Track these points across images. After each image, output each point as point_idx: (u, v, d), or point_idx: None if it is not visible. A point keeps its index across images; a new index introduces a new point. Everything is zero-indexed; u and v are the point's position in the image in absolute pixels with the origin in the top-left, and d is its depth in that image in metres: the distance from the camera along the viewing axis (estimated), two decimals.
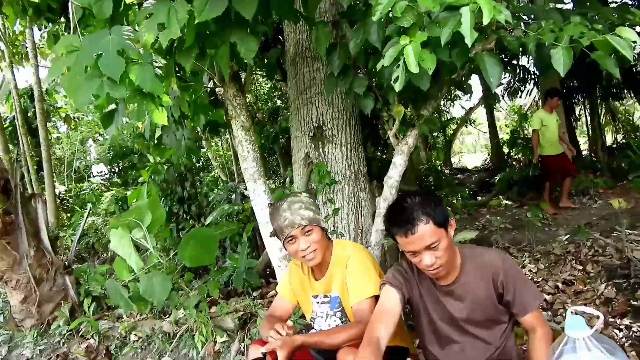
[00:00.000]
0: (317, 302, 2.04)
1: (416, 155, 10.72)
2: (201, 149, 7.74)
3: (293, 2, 2.38)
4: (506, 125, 15.50)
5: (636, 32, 1.79)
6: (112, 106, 2.30)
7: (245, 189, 3.05)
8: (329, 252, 1.97)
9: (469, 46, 1.70)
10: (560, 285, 3.33)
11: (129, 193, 5.67)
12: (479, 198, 7.96)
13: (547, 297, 3.16)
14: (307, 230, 1.85)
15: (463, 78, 2.60)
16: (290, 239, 1.86)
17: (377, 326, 1.61)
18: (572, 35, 1.85)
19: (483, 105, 12.37)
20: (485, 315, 1.68)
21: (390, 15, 1.87)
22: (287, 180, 5.59)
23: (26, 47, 9.22)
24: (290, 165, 5.24)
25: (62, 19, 3.57)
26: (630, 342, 2.45)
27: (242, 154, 2.83)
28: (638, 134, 8.89)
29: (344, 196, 3.37)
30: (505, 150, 11.77)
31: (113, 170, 13.18)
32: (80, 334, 3.72)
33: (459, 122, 14.70)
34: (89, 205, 6.10)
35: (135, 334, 3.55)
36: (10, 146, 11.39)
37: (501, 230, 4.80)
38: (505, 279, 1.61)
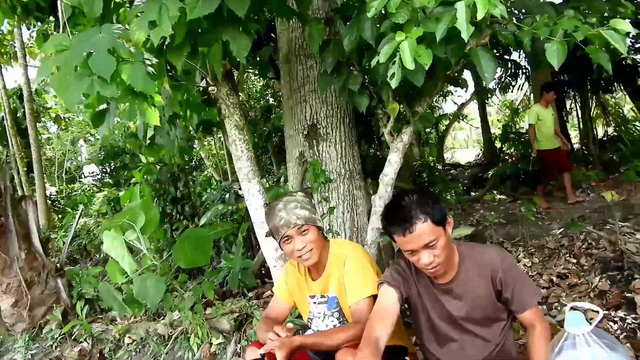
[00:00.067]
0: (314, 303, 2.03)
1: (409, 152, 10.72)
2: (193, 148, 7.69)
3: None
4: (498, 120, 15.59)
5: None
6: (103, 106, 2.26)
7: (239, 188, 3.02)
8: (326, 252, 1.95)
9: (465, 41, 1.69)
10: (554, 278, 3.36)
11: (121, 194, 5.62)
12: (473, 193, 7.99)
13: (542, 291, 3.18)
14: (303, 230, 1.83)
15: (456, 74, 2.60)
16: (286, 239, 1.84)
17: (375, 326, 1.59)
18: (566, 29, 1.85)
19: (475, 101, 12.44)
20: (484, 313, 1.67)
21: (383, 12, 1.86)
22: (282, 179, 5.56)
23: (15, 47, 9.09)
24: (283, 163, 5.22)
25: (52, 18, 3.52)
26: (625, 334, 2.47)
27: (236, 154, 2.80)
28: (629, 126, 8.95)
29: (339, 194, 3.35)
30: (498, 145, 11.84)
31: (105, 170, 13.08)
32: (73, 338, 3.69)
33: (451, 117, 14.75)
34: (81, 207, 6.05)
35: (130, 337, 3.52)
36: (0, 147, 11.27)
37: (495, 225, 4.82)
38: (504, 277, 1.61)
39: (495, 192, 7.45)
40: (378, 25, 2.05)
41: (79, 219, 5.35)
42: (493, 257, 1.64)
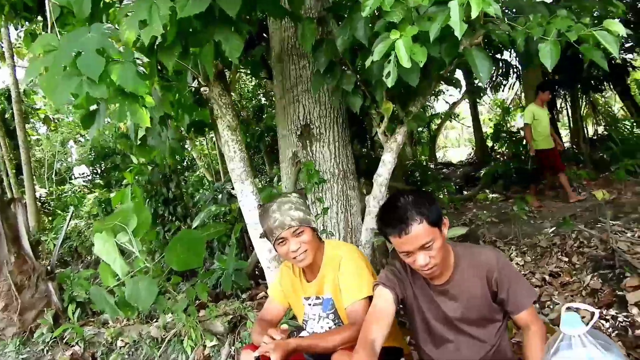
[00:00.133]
0: (309, 304, 2.01)
1: (402, 151, 10.73)
2: (185, 149, 7.64)
3: None
4: (489, 119, 15.67)
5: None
6: (94, 106, 2.23)
7: (232, 189, 3.00)
8: (320, 253, 1.93)
9: (459, 39, 1.69)
10: (547, 277, 3.37)
11: (112, 195, 5.57)
12: (465, 192, 8.03)
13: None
14: (297, 232, 1.82)
15: (449, 74, 2.60)
16: (280, 240, 1.83)
17: (371, 327, 1.58)
18: (560, 29, 1.85)
19: (466, 100, 12.50)
20: (480, 314, 1.67)
21: (376, 12, 1.85)
22: (275, 179, 5.54)
23: (2, 47, 8.98)
24: (276, 163, 5.19)
25: (40, 18, 3.47)
26: (616, 332, 2.48)
27: (229, 155, 2.77)
28: (618, 125, 9.03)
29: (332, 195, 3.34)
30: (489, 143, 11.90)
31: (95, 171, 12.96)
32: (64, 341, 3.64)
33: (443, 116, 14.81)
34: (71, 208, 5.99)
35: (122, 340, 3.48)
36: None
37: (488, 224, 4.84)
38: (499, 278, 1.60)
39: (487, 190, 7.49)
40: (371, 25, 2.04)
41: (69, 221, 5.29)
42: (489, 258, 1.64)
